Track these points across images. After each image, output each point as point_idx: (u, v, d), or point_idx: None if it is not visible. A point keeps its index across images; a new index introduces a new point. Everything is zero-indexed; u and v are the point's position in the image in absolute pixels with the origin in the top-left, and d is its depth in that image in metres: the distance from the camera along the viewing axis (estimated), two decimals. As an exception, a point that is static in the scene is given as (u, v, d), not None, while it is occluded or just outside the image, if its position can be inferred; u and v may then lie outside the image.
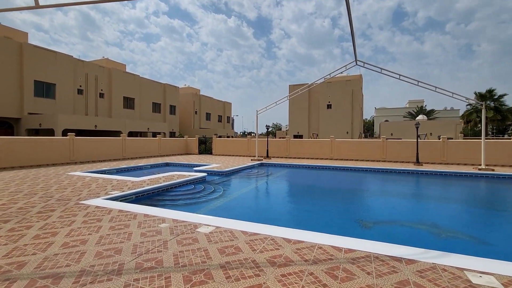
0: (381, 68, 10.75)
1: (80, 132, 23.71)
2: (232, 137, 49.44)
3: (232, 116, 65.77)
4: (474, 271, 2.72)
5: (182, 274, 2.64)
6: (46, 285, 2.43)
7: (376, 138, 41.39)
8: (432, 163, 14.13)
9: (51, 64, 24.97)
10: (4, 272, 2.67)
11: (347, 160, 16.00)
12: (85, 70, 28.26)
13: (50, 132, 21.88)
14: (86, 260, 2.92)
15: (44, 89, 24.66)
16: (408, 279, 2.58)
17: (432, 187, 9.66)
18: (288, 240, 3.53)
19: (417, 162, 13.68)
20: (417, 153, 13.75)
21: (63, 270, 2.70)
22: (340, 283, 2.51)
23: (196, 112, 45.84)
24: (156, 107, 37.51)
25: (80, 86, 27.83)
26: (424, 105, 53.73)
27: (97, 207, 5.11)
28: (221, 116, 54.21)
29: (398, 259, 2.99)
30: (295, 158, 17.25)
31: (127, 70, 36.43)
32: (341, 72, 12.58)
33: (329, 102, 38.36)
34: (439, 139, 14.71)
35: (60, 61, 25.74)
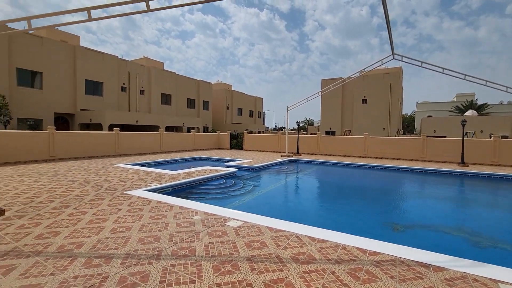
0: (422, 62, 10.04)
1: (123, 127, 25.82)
2: (263, 132, 49.76)
3: (263, 111, 66.02)
4: (510, 284, 2.58)
5: (212, 263, 2.91)
6: (99, 264, 2.86)
7: (415, 135, 38.66)
8: (480, 164, 12.92)
9: (99, 64, 27.39)
10: (67, 250, 3.19)
11: (382, 158, 15.30)
12: (127, 69, 30.49)
13: (98, 127, 24.15)
14: (131, 245, 3.34)
15: (94, 87, 27.19)
16: (434, 286, 2.54)
17: (478, 191, 8.90)
18: (313, 239, 3.63)
19: (462, 163, 12.62)
20: (463, 153, 12.67)
21: (112, 252, 3.14)
22: (361, 284, 2.56)
23: (228, 107, 46.89)
24: (191, 103, 39.16)
25: (124, 84, 30.13)
26: (475, 99, 48.53)
27: (139, 197, 5.67)
28: (252, 111, 54.75)
29: (426, 266, 2.93)
30: (326, 155, 16.94)
31: (164, 68, 38.49)
32: (381, 64, 11.99)
33: (364, 96, 36.56)
34: (490, 137, 13.34)
35: (107, 61, 28.10)
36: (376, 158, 15.48)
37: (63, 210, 4.71)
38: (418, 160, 14.48)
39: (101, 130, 22.53)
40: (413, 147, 14.85)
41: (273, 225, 4.13)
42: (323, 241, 3.57)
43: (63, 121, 25.92)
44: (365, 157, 15.84)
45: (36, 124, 22.25)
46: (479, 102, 45.01)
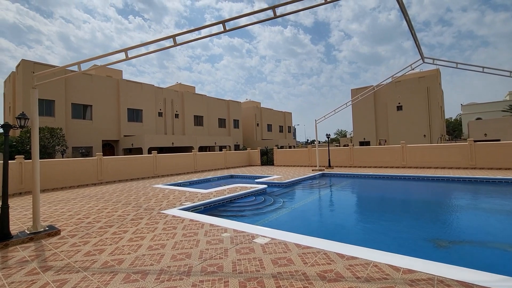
0: (457, 63, 9.39)
1: (161, 149, 27.62)
2: (294, 147, 49.34)
3: (293, 125, 65.78)
4: None
5: (238, 280, 2.99)
6: (136, 279, 3.11)
7: (463, 140, 35.28)
8: (543, 170, 11.34)
9: (139, 93, 30.10)
10: (109, 266, 3.51)
11: (423, 168, 14.20)
12: (163, 95, 33.00)
13: (139, 150, 26.16)
14: (164, 261, 3.56)
15: (134, 115, 29.79)
16: (478, 308, 2.31)
17: (541, 200, 7.78)
18: (342, 256, 3.52)
19: (520, 168, 11.20)
20: (519, 158, 11.27)
21: (148, 268, 3.38)
22: (392, 304, 2.43)
23: (257, 124, 47.69)
24: (221, 122, 40.66)
25: (160, 109, 32.55)
26: (532, 96, 43.14)
27: (173, 216, 6.01)
28: (282, 126, 54.89)
29: (469, 286, 2.68)
30: (360, 167, 16.22)
31: (196, 91, 40.88)
32: (410, 70, 11.45)
33: (399, 103, 34.64)
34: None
35: (145, 90, 30.81)
36: (416, 168, 14.42)
37: (108, 229, 5.18)
38: (466, 168, 13.17)
39: (141, 154, 24.35)
40: (459, 154, 13.59)
41: (301, 241, 4.09)
42: (353, 258, 3.45)
43: (109, 147, 28.58)
44: (403, 167, 14.85)
45: (87, 151, 24.85)
46: (538, 99, 39.85)
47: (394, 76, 12.80)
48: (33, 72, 5.13)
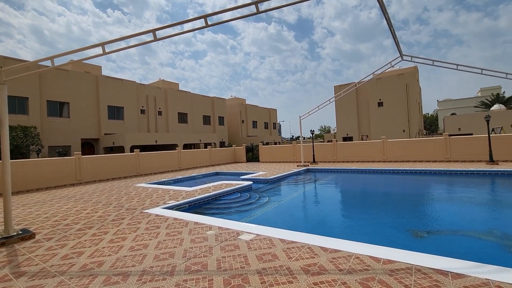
0: (433, 60, 9.77)
1: (144, 148, 26.89)
2: (279, 143, 49.70)
3: (278, 122, 66.19)
4: (538, 290, 2.41)
5: (222, 277, 2.97)
6: (117, 281, 3.01)
7: (439, 135, 36.96)
8: None
9: (119, 90, 29.08)
10: (88, 269, 3.38)
11: (402, 162, 14.74)
12: (145, 92, 32.07)
13: (121, 149, 25.35)
14: (146, 262, 3.48)
15: (115, 112, 28.78)
16: (452, 294, 2.43)
17: (510, 191, 8.31)
18: (325, 249, 3.59)
19: (491, 161, 11.89)
20: (490, 150, 11.96)
21: (129, 270, 3.29)
22: (373, 294, 2.50)
23: (243, 121, 47.54)
24: (206, 120, 40.18)
25: (142, 106, 31.64)
26: (502, 92, 45.82)
27: (156, 215, 5.88)
28: (267, 123, 55.05)
29: (444, 273, 2.81)
30: (343, 162, 16.60)
31: (180, 88, 40.06)
32: (390, 67, 11.78)
33: (380, 99, 35.70)
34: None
35: (126, 86, 29.80)
36: (396, 162, 14.94)
37: (87, 231, 4.98)
38: (442, 161, 13.81)
39: (124, 152, 23.62)
40: (436, 148, 14.21)
41: (286, 236, 4.12)
42: (336, 251, 3.52)
43: (89, 146, 27.48)
44: (384, 161, 15.34)
45: (64, 151, 23.76)
46: (507, 95, 42.43)
47: (374, 73, 13.13)
48: (1, 67, 4.82)
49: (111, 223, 5.47)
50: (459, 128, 29.71)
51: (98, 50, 4.93)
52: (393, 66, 11.16)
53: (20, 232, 4.83)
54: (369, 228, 5.59)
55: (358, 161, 16.19)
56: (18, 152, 17.12)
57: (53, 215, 6.42)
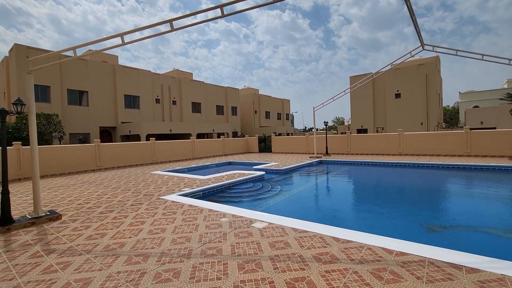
0: (457, 50, 9.31)
1: (159, 136, 27.51)
2: (292, 134, 49.39)
3: (291, 113, 65.59)
4: (556, 287, 2.37)
5: (237, 262, 3.09)
6: (138, 261, 3.21)
7: (459, 128, 35.43)
8: (536, 157, 11.53)
9: (135, 80, 29.61)
10: (111, 249, 3.61)
11: (419, 155, 14.37)
12: (160, 81, 32.50)
13: (137, 137, 26.05)
14: (165, 245, 3.66)
15: (131, 101, 29.44)
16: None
17: (532, 187, 7.97)
18: (337, 239, 3.64)
19: (514, 156, 11.38)
20: (514, 146, 11.42)
21: (149, 251, 3.48)
22: (384, 284, 2.55)
23: (255, 111, 47.42)
24: (219, 109, 40.38)
25: (157, 96, 32.15)
26: (530, 84, 43.06)
27: (172, 201, 6.10)
28: (280, 113, 54.65)
29: (458, 267, 2.80)
30: (357, 154, 16.37)
31: (193, 78, 40.28)
32: (410, 57, 11.31)
33: (397, 91, 34.48)
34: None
35: (142, 76, 30.29)
36: (413, 155, 14.58)
37: (108, 214, 5.26)
38: (461, 156, 13.35)
39: (139, 141, 24.29)
40: (455, 142, 13.73)
41: (298, 226, 4.20)
42: (348, 241, 3.56)
43: (107, 134, 28.41)
44: (400, 154, 15.00)
45: (84, 138, 24.70)
46: (537, 87, 39.82)
47: (393, 63, 12.69)
48: (27, 57, 5.02)
49: (130, 207, 5.74)
50: (482, 122, 28.39)
51: (117, 41, 5.05)
52: (413, 56, 10.73)
53: (48, 213, 5.17)
54: (382, 221, 5.58)
55: (372, 154, 15.91)
56: (42, 138, 17.97)
57: (77, 199, 6.79)
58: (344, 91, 14.93)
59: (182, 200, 6.17)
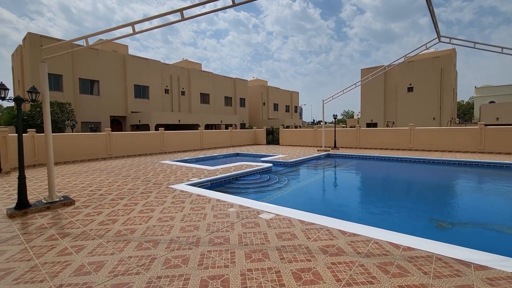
0: (475, 43, 8.93)
1: (167, 126, 27.79)
2: (300, 127, 49.04)
3: (300, 105, 64.96)
4: None
5: (244, 251, 3.15)
6: (148, 247, 3.30)
7: (473, 124, 34.48)
8: (554, 156, 11.14)
9: (145, 70, 29.76)
10: (122, 235, 3.72)
11: (430, 151, 14.10)
12: (169, 72, 32.57)
13: (146, 127, 26.38)
14: (174, 232, 3.75)
15: (141, 91, 29.69)
16: (473, 284, 2.42)
17: (548, 186, 7.74)
18: (344, 232, 3.65)
19: (530, 154, 11.02)
20: (530, 143, 11.05)
21: (159, 238, 3.58)
22: (390, 278, 2.56)
23: (264, 103, 47.15)
24: (228, 101, 40.33)
25: (166, 86, 32.29)
26: (552, 79, 41.21)
27: (181, 191, 6.21)
28: (289, 106, 54.20)
29: (466, 264, 2.78)
30: (366, 148, 16.17)
31: (202, 68, 40.19)
32: (425, 49, 10.94)
33: (410, 84, 33.57)
34: None
35: (151, 66, 30.41)
36: (423, 150, 14.31)
37: (119, 201, 5.41)
38: (475, 152, 13.02)
39: (149, 130, 24.60)
40: (468, 138, 13.38)
41: (305, 218, 4.22)
42: (355, 235, 3.57)
43: (117, 123, 28.86)
44: (410, 150, 14.75)
45: (96, 127, 25.19)
46: (558, 83, 38.08)
47: (407, 56, 12.31)
48: (41, 46, 5.11)
49: (140, 195, 5.87)
50: (497, 118, 27.50)
51: (128, 30, 5.06)
52: (428, 48, 10.38)
53: (62, 198, 5.35)
54: (389, 215, 5.55)
55: (382, 149, 15.69)
56: (55, 126, 18.42)
57: (89, 185, 6.99)
58: (355, 84, 14.64)
59: (191, 190, 6.27)
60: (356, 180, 9.49)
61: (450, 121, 30.93)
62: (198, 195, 5.81)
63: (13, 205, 4.98)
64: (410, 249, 3.14)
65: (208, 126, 33.04)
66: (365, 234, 3.56)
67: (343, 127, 41.52)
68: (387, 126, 30.99)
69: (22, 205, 4.81)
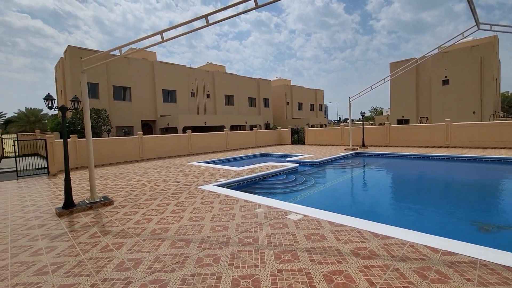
0: (522, 28, 8.11)
1: (194, 128, 28.69)
2: (325, 125, 47.96)
3: (324, 104, 63.54)
4: None
5: (273, 252, 3.17)
6: (181, 246, 3.45)
7: (522, 117, 31.33)
8: None
9: (172, 75, 31.02)
10: (157, 233, 3.93)
11: (470, 148, 13.06)
12: (194, 75, 33.60)
13: (174, 130, 27.46)
14: (204, 232, 3.88)
15: (169, 95, 30.98)
16: (525, 294, 2.22)
17: None
18: (376, 235, 3.52)
19: None
20: None
21: (190, 237, 3.72)
22: (429, 283, 2.43)
23: (288, 103, 46.81)
24: (252, 102, 40.62)
25: (192, 89, 33.35)
26: None
27: (209, 191, 6.39)
28: (313, 104, 53.25)
29: (516, 271, 2.55)
30: (397, 146, 15.39)
31: (226, 70, 40.92)
32: (462, 38, 10.14)
33: (445, 76, 31.28)
34: None
35: (178, 71, 31.61)
36: (462, 148, 13.29)
37: (153, 202, 5.71)
38: (522, 148, 11.82)
39: (177, 133, 25.57)
40: (515, 133, 12.17)
41: (334, 219, 4.14)
42: (388, 237, 3.43)
43: (147, 127, 30.39)
44: (447, 147, 13.77)
45: (129, 131, 26.75)
46: None
47: (441, 46, 11.51)
48: (81, 58, 5.53)
49: (171, 196, 6.14)
50: (550, 109, 24.63)
51: (157, 38, 5.33)
52: (465, 37, 9.62)
53: (102, 199, 5.77)
54: (425, 218, 5.24)
55: (415, 146, 14.84)
56: (93, 132, 19.88)
57: (125, 186, 7.46)
58: (384, 79, 14.00)
59: (218, 190, 6.43)
60: (387, 180, 9.08)
61: (493, 115, 28.33)
62: (226, 195, 5.94)
63: (61, 205, 5.47)
64: (450, 253, 2.95)
65: (233, 127, 33.55)
66: (399, 237, 3.41)
67: (372, 124, 39.87)
68: (421, 122, 29.18)
69: (69, 205, 5.27)
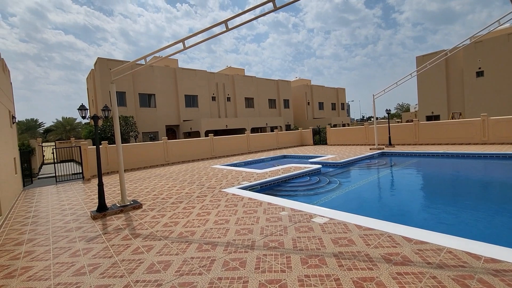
0: None
1: (215, 132, 29.20)
2: (348, 124, 46.61)
3: (346, 102, 61.86)
4: None
5: (299, 256, 3.12)
6: (208, 249, 3.51)
7: None
8: None
9: (193, 80, 31.87)
10: (184, 236, 4.02)
11: (510, 144, 12.01)
12: (215, 80, 34.26)
13: (197, 134, 28.14)
14: (229, 235, 3.91)
15: (191, 100, 31.86)
16: None
17: None
18: (409, 239, 3.34)
19: None
20: None
21: (216, 240, 3.77)
22: (471, 293, 2.25)
23: (308, 103, 46.16)
24: (272, 103, 40.56)
25: (213, 94, 34.02)
26: None
27: (233, 194, 6.45)
28: (335, 103, 52.05)
29: None
30: (427, 144, 14.56)
31: (245, 73, 41.27)
32: (498, 26, 9.35)
33: (479, 68, 29.09)
34: None
35: (199, 76, 32.42)
36: (502, 144, 12.27)
37: (179, 205, 5.87)
38: None
39: (199, 137, 26.18)
40: None
41: (362, 223, 3.99)
42: (422, 242, 3.23)
43: (171, 132, 31.44)
44: (484, 144, 12.79)
45: (154, 136, 27.85)
46: None
47: (474, 35, 10.74)
48: (110, 69, 5.84)
49: (196, 199, 6.28)
50: None
51: (180, 46, 5.49)
52: (501, 24, 8.89)
53: (132, 202, 6.03)
54: (463, 221, 4.88)
55: (447, 144, 13.95)
56: (122, 138, 20.93)
57: (152, 190, 7.75)
58: (410, 74, 13.33)
59: (242, 193, 6.47)
60: (418, 181, 8.60)
61: (537, 107, 25.85)
62: (250, 198, 5.96)
63: (95, 208, 5.80)
64: (494, 260, 2.71)
65: (253, 130, 33.71)
66: (434, 242, 3.20)
67: (398, 122, 38.10)
68: (453, 118, 27.38)
69: (102, 208, 5.57)
